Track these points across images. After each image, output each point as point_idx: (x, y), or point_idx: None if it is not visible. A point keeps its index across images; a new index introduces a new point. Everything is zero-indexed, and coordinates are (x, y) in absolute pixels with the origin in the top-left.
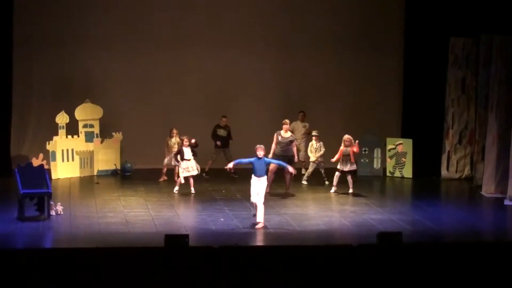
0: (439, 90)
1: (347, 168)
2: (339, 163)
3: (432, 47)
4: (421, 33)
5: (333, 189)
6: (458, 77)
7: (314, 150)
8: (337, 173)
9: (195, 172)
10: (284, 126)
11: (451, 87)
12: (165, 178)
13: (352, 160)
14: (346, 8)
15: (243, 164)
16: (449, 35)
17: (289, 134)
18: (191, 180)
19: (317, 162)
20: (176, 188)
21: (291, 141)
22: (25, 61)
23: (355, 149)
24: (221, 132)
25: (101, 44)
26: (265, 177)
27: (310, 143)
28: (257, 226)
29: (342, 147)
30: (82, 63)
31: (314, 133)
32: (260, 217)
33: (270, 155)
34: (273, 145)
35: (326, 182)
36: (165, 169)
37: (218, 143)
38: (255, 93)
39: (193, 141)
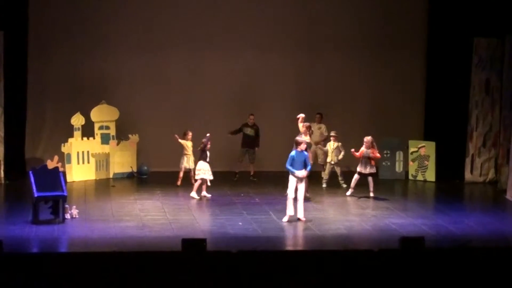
0: (462, 92)
1: (366, 170)
2: (358, 165)
3: (455, 47)
4: (445, 33)
5: (349, 192)
6: (482, 79)
7: (332, 151)
8: (356, 176)
9: (211, 177)
10: (303, 130)
11: (475, 88)
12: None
13: (373, 163)
14: (368, 8)
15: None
16: (473, 36)
17: (308, 138)
18: (205, 185)
19: (333, 163)
20: (194, 193)
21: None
22: (40, 61)
23: (374, 154)
24: (249, 131)
25: (117, 44)
26: (304, 171)
27: (328, 144)
28: (301, 220)
29: (363, 148)
30: (98, 63)
31: (332, 133)
32: (301, 213)
33: None
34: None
35: (344, 185)
36: (182, 172)
37: (230, 133)
38: (275, 94)
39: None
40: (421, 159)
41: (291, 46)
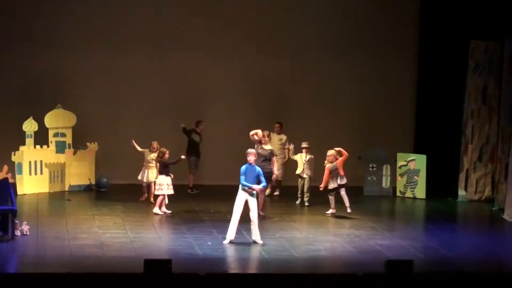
0: (457, 100)
1: (335, 184)
2: (329, 183)
3: (449, 50)
4: (438, 35)
5: (330, 211)
6: (479, 85)
7: (303, 163)
8: (330, 197)
9: (171, 192)
10: (263, 139)
11: (471, 96)
12: (146, 196)
13: (341, 173)
14: (352, 6)
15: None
16: (469, 38)
17: (269, 146)
18: (165, 200)
19: (303, 176)
20: (157, 209)
21: (272, 155)
22: None
23: (342, 156)
24: (197, 139)
25: (75, 43)
26: (259, 186)
27: (299, 155)
28: (257, 243)
29: (326, 165)
30: (54, 64)
31: (303, 144)
32: (256, 235)
33: None
34: None
35: (306, 204)
36: (145, 186)
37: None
38: (243, 100)
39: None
40: (410, 174)
41: (261, 49)
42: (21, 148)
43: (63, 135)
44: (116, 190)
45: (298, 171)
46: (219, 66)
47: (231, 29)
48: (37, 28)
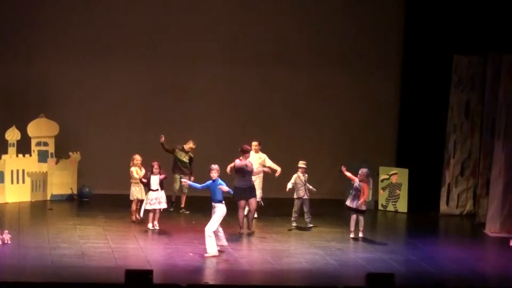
0: (439, 114)
1: (353, 205)
2: (348, 199)
3: (433, 65)
4: (421, 49)
5: (352, 234)
6: (462, 100)
7: (303, 184)
8: (352, 217)
9: (162, 206)
10: (245, 154)
11: (454, 111)
12: (138, 217)
13: (362, 199)
14: (335, 21)
15: (198, 190)
16: (452, 53)
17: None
18: (156, 215)
19: (302, 198)
20: (150, 224)
21: (252, 170)
22: None
23: (362, 190)
24: (183, 157)
25: (59, 53)
26: (221, 205)
27: (295, 176)
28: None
29: (356, 179)
30: (37, 73)
31: (301, 164)
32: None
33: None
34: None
35: (310, 225)
36: (135, 204)
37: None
38: (225, 115)
39: (161, 176)
40: (392, 188)
41: (242, 61)
42: (3, 156)
43: (46, 144)
44: (98, 200)
45: (300, 194)
46: (204, 77)
47: (216, 41)
48: (21, 37)
